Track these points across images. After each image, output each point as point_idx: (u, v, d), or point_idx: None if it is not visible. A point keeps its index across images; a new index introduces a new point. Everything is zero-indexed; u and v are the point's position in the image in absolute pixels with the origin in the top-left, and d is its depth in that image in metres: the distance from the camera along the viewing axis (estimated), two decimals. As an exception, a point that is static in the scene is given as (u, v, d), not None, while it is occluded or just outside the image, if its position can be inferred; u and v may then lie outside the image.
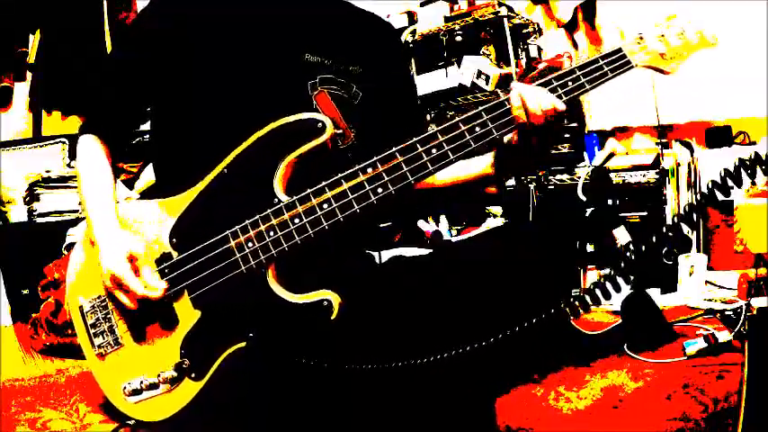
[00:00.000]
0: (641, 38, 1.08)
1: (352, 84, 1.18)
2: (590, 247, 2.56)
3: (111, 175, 1.15)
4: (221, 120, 1.08)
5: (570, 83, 1.05)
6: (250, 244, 1.00)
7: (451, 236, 3.29)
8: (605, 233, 2.46)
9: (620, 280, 0.89)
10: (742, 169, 0.89)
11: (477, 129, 1.02)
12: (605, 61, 1.06)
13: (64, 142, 3.08)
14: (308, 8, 1.18)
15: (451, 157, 1.00)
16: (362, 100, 1.19)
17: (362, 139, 1.17)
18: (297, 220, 0.99)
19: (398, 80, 1.32)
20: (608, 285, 0.89)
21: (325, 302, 0.96)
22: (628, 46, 1.08)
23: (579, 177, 2.78)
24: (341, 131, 1.14)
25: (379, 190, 0.99)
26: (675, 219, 0.89)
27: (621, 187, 2.82)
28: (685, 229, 0.90)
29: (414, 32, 3.51)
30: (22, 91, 3.38)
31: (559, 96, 1.04)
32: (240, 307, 1.00)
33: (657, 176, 2.74)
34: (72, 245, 1.18)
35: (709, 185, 0.89)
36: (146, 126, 1.23)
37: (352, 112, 1.16)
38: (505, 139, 1.07)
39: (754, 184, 2.39)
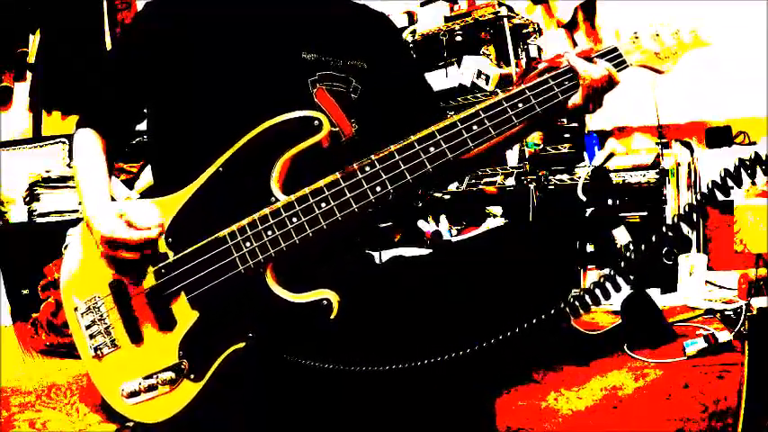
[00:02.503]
0: (636, 37, 1.09)
1: (352, 78, 1.18)
2: (590, 247, 2.56)
3: (104, 162, 1.15)
4: (220, 119, 1.08)
5: (566, 81, 1.06)
6: (248, 244, 0.99)
7: (451, 236, 3.29)
8: (605, 233, 2.46)
9: (619, 280, 0.89)
10: (742, 169, 0.88)
11: (475, 127, 1.02)
12: (601, 60, 1.07)
13: (64, 142, 3.08)
14: (306, 6, 1.18)
15: (449, 156, 1.01)
16: (362, 94, 1.19)
17: (364, 133, 1.17)
18: (294, 220, 0.99)
19: (407, 71, 1.31)
20: (608, 285, 0.89)
21: (325, 302, 0.96)
22: (623, 45, 1.09)
23: (579, 177, 2.78)
24: (337, 129, 1.13)
25: (378, 189, 0.99)
26: (675, 219, 0.89)
27: (621, 187, 2.82)
28: (685, 228, 0.90)
29: (414, 32, 3.51)
30: (22, 91, 3.38)
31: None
32: (239, 307, 1.00)
33: (657, 176, 2.74)
34: (72, 245, 1.18)
35: (709, 185, 0.89)
36: (142, 126, 1.23)
37: (352, 107, 1.16)
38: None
39: (754, 184, 2.39)
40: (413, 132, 1.01)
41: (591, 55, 1.09)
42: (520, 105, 1.04)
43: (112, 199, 1.12)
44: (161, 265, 1.03)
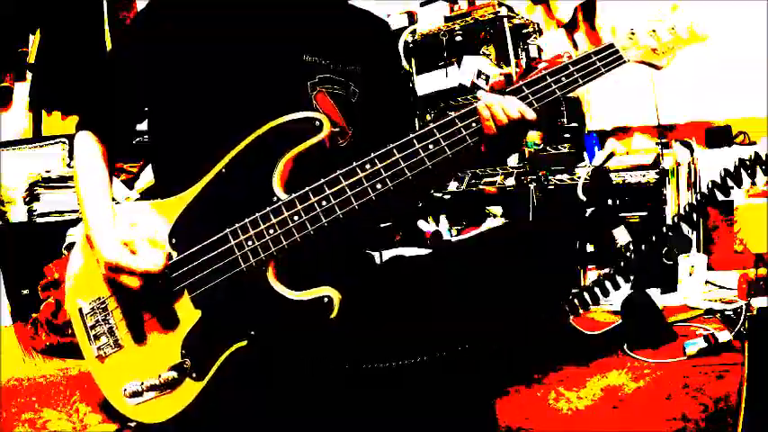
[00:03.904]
0: (633, 33, 1.09)
1: (350, 83, 1.18)
2: (590, 247, 2.56)
3: (106, 173, 1.15)
4: (221, 120, 1.08)
5: (555, 83, 1.05)
6: (250, 242, 1.00)
7: (451, 236, 3.29)
8: (605, 233, 2.46)
9: (618, 278, 0.89)
10: (742, 169, 0.89)
11: (474, 125, 1.03)
12: (598, 57, 1.06)
13: (64, 142, 3.08)
14: (307, 8, 1.18)
15: (448, 153, 1.01)
16: (360, 99, 1.19)
17: (361, 137, 1.17)
18: (296, 218, 0.99)
19: (394, 79, 1.32)
20: (607, 283, 0.89)
21: (326, 299, 0.96)
22: (620, 41, 1.08)
23: (579, 177, 2.78)
24: (338, 129, 1.14)
25: (378, 186, 0.99)
26: (675, 219, 0.89)
27: (621, 187, 2.82)
28: (685, 228, 0.90)
29: (414, 32, 3.51)
30: (22, 91, 3.37)
31: (530, 104, 1.03)
32: (241, 305, 1.00)
33: (657, 176, 2.74)
34: (72, 245, 1.18)
35: (710, 185, 0.89)
36: (143, 126, 1.23)
37: (350, 111, 1.17)
38: None
39: (754, 184, 2.39)
40: (389, 139, 1.01)
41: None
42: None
43: (112, 200, 1.13)
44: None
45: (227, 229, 1.01)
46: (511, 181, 3.16)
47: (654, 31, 1.09)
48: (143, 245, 1.02)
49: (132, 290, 1.01)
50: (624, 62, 1.08)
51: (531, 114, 1.02)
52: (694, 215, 0.89)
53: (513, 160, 3.26)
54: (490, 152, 1.08)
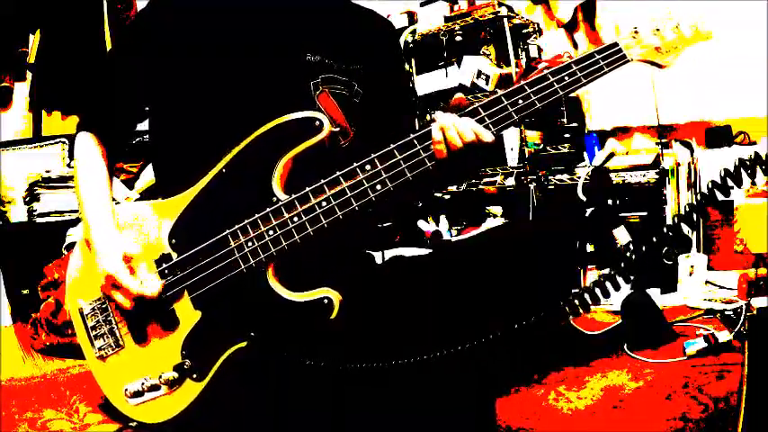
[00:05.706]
0: (636, 32, 1.08)
1: (354, 82, 1.18)
2: (590, 247, 2.56)
3: (107, 176, 1.15)
4: (222, 120, 1.08)
5: (558, 82, 1.03)
6: (250, 243, 1.00)
7: (451, 236, 3.29)
8: (605, 233, 2.46)
9: (619, 279, 0.89)
10: (742, 169, 0.88)
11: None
12: (601, 56, 1.06)
13: (64, 142, 3.08)
14: (309, 8, 1.17)
15: None
16: (363, 98, 1.19)
17: (364, 136, 1.17)
18: (296, 219, 0.99)
19: (397, 78, 1.31)
20: (607, 284, 0.89)
21: (326, 300, 0.96)
22: (623, 40, 1.08)
23: (579, 177, 2.78)
24: (339, 129, 1.14)
25: (378, 187, 0.99)
26: (675, 219, 0.89)
27: (621, 187, 2.82)
28: (685, 228, 0.90)
29: (414, 32, 3.51)
30: (22, 91, 3.37)
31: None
32: (241, 306, 1.00)
33: (657, 176, 2.74)
34: (72, 245, 1.18)
35: (710, 185, 0.89)
36: (143, 126, 1.23)
37: (353, 111, 1.16)
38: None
39: (754, 184, 2.39)
40: (390, 139, 1.01)
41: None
42: (520, 102, 1.03)
43: (112, 200, 1.13)
44: (165, 266, 1.04)
45: (227, 231, 1.01)
46: (511, 181, 3.16)
47: (658, 29, 1.08)
48: (142, 267, 1.03)
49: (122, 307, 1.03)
50: (628, 61, 1.07)
51: (488, 137, 0.98)
52: (694, 215, 0.89)
53: (513, 160, 3.26)
54: (444, 175, 1.04)
